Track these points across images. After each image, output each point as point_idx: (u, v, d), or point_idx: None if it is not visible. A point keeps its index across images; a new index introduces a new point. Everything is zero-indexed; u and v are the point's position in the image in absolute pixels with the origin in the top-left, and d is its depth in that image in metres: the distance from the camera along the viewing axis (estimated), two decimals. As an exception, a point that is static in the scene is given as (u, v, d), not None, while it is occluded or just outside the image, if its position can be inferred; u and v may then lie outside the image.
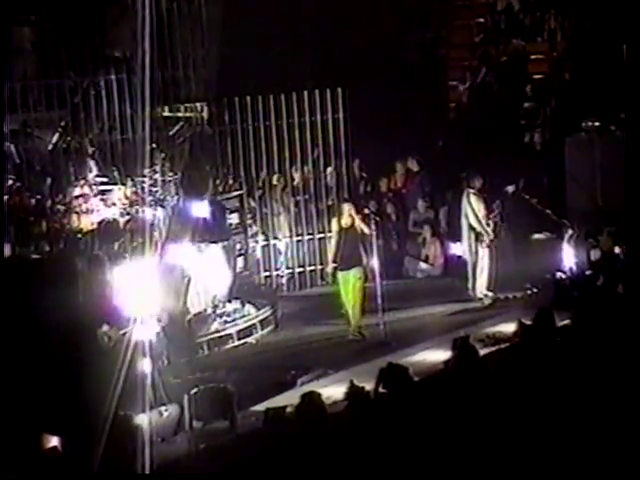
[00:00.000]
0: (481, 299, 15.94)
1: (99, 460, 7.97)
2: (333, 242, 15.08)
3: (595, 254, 15.19)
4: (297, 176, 18.15)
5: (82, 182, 15.51)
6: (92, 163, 15.88)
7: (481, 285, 15.98)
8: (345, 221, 14.86)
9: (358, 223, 14.76)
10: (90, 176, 15.58)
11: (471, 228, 15.94)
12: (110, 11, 17.07)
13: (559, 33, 20.76)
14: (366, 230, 14.72)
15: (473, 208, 15.92)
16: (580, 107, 18.99)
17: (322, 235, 17.99)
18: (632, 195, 16.36)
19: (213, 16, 17.42)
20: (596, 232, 15.56)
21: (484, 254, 15.91)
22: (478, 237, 15.90)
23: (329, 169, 18.12)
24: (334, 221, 15.23)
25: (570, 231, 16.13)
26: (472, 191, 15.95)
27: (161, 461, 8.38)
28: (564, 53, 20.23)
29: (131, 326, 12.02)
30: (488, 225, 15.93)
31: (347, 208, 14.95)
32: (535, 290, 15.82)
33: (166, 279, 13.60)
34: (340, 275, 14.90)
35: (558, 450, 8.00)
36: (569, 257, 15.74)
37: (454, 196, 17.37)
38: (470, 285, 16.04)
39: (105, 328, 12.56)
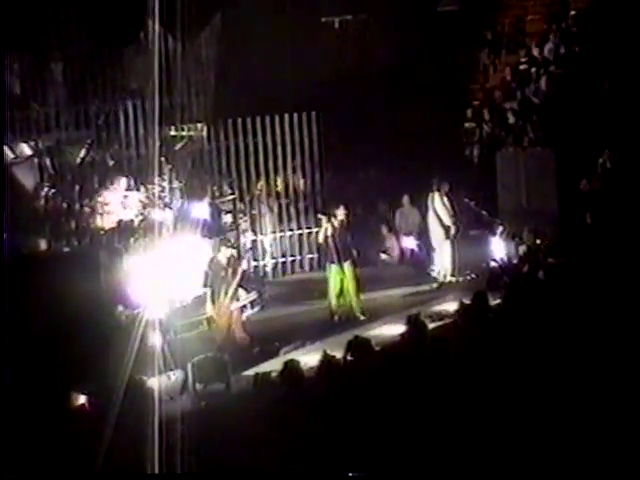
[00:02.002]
0: (449, 282, 15.73)
1: (118, 415, 7.92)
2: (329, 239, 14.50)
3: (522, 249, 15.21)
4: (279, 183, 18.09)
5: (104, 189, 15.44)
6: (112, 173, 15.83)
7: (446, 270, 15.91)
8: (339, 221, 14.50)
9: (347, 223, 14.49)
10: (111, 184, 15.52)
11: (441, 224, 15.87)
12: (127, 50, 16.98)
13: (491, 67, 20.82)
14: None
15: (445, 207, 15.86)
16: (508, 127, 19.05)
17: (300, 231, 17.95)
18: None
19: (210, 54, 17.36)
20: (520, 232, 15.59)
21: (449, 245, 15.88)
22: (447, 231, 15.85)
23: (301, 179, 18.04)
24: (325, 221, 14.56)
25: (501, 228, 16.17)
26: (442, 193, 15.90)
27: (169, 416, 8.31)
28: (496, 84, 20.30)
29: (144, 307, 11.98)
30: (455, 221, 15.91)
31: (343, 211, 14.57)
32: (473, 276, 15.81)
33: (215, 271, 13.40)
34: (334, 267, 14.50)
35: (489, 402, 7.99)
36: (500, 249, 15.76)
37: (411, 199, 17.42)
38: (437, 270, 15.93)
39: (121, 308, 12.48)
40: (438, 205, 15.89)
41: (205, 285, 13.69)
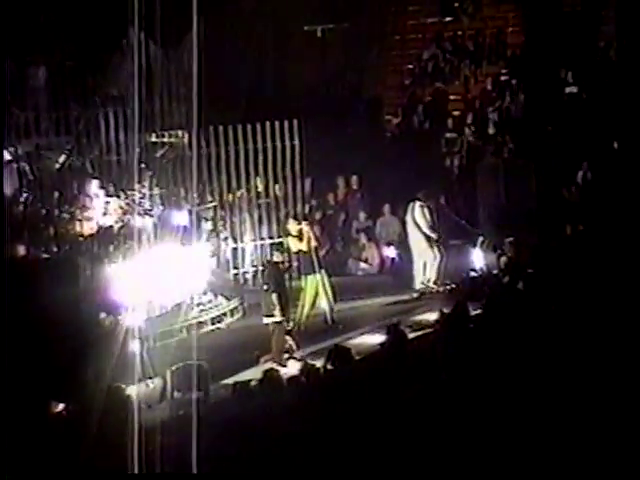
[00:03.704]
0: (429, 292, 15.73)
1: (97, 422, 7.88)
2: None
3: (502, 260, 15.24)
4: (260, 191, 18.06)
5: (84, 195, 15.38)
6: (92, 179, 15.78)
7: (426, 280, 15.91)
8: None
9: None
10: (91, 190, 15.47)
11: (423, 234, 15.86)
12: (108, 56, 16.96)
13: (472, 78, 20.91)
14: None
15: (425, 217, 15.86)
16: (489, 138, 19.12)
17: (280, 239, 17.93)
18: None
19: (191, 61, 17.32)
20: (499, 242, 15.64)
21: (429, 254, 15.87)
22: (427, 241, 15.85)
23: (277, 186, 18.01)
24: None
25: (481, 238, 16.21)
26: (425, 204, 15.90)
27: (147, 424, 8.27)
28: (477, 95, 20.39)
29: (123, 314, 11.92)
30: (437, 231, 15.90)
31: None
32: (453, 285, 15.81)
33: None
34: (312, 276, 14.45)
35: (467, 410, 7.99)
36: (480, 259, 15.80)
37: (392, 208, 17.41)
38: (421, 280, 15.91)
39: (102, 315, 12.42)
40: (418, 215, 15.91)
41: (271, 290, 13.45)
